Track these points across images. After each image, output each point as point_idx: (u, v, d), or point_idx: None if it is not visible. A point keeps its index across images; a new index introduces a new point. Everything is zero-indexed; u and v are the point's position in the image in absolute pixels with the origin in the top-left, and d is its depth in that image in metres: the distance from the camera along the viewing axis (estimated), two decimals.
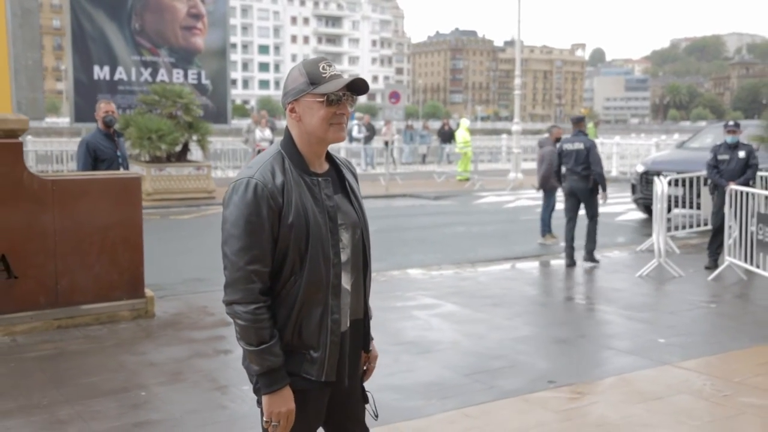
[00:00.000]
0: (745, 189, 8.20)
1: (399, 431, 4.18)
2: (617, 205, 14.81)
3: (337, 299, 2.27)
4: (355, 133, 24.58)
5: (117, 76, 17.95)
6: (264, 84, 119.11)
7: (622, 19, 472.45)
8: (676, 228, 10.72)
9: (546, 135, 11.46)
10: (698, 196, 10.36)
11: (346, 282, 2.31)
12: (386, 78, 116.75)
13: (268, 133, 19.79)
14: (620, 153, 23.05)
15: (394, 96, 18.88)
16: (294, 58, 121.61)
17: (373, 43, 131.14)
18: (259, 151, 18.97)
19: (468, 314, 6.78)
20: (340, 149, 24.24)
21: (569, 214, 9.38)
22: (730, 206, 8.43)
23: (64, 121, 50.35)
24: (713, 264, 8.77)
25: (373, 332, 2.59)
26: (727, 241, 8.57)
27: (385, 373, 5.05)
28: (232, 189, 2.22)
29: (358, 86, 2.24)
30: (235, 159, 21.65)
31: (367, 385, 2.58)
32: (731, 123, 9.19)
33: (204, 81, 18.96)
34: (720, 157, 8.91)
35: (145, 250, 6.54)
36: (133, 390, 4.78)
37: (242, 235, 2.17)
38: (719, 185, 8.82)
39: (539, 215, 11.23)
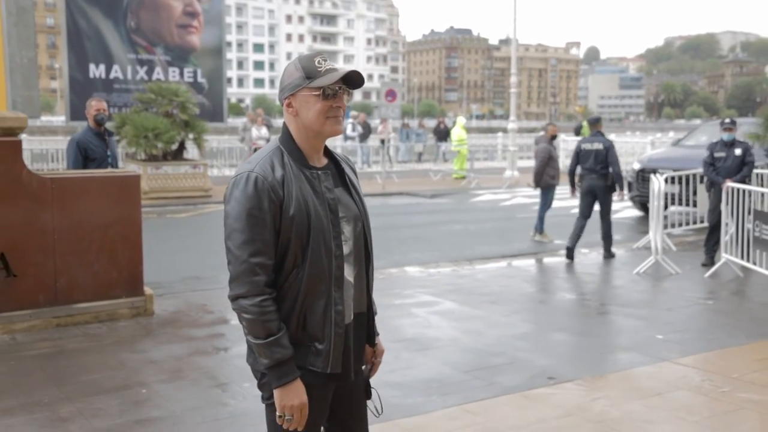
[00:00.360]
0: (741, 186, 8.24)
1: (400, 428, 4.19)
2: (613, 203, 14.81)
3: (340, 291, 2.27)
4: (349, 132, 24.58)
5: (113, 75, 17.93)
6: (259, 82, 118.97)
7: (617, 17, 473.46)
8: (673, 225, 10.77)
9: (542, 132, 11.50)
10: (694, 193, 10.40)
11: (349, 274, 2.32)
12: (381, 76, 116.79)
13: (264, 131, 19.78)
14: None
15: (391, 94, 18.89)
16: (289, 56, 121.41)
17: (368, 41, 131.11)
18: (255, 150, 18.96)
19: (466, 311, 6.80)
20: (336, 148, 24.21)
21: (584, 212, 9.62)
22: (727, 203, 8.47)
23: (59, 119, 50.25)
24: (710, 261, 8.81)
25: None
26: (724, 238, 8.61)
27: (385, 369, 5.02)
28: (232, 184, 2.24)
29: (353, 79, 2.26)
30: (232, 157, 21.63)
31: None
32: (728, 121, 9.22)
33: (200, 79, 18.95)
34: (716, 155, 8.94)
35: (143, 249, 6.54)
36: (134, 387, 4.79)
37: (245, 229, 2.18)
38: (716, 183, 8.86)
39: (537, 213, 11.26)
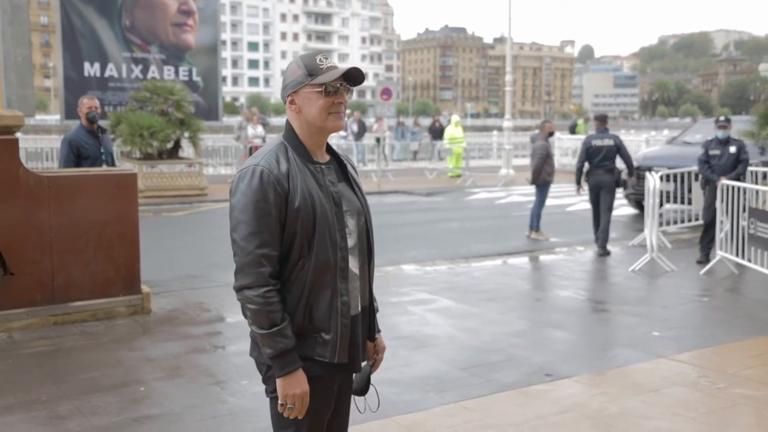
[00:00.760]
0: (736, 184, 8.27)
1: (398, 424, 4.21)
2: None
3: (346, 282, 2.32)
4: (341, 132, 24.57)
5: (107, 73, 17.88)
6: (254, 81, 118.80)
7: (611, 15, 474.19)
8: (668, 223, 10.80)
9: (536, 131, 11.54)
10: (689, 191, 10.44)
11: (354, 266, 2.37)
12: (376, 75, 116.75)
13: (260, 129, 19.75)
14: None
15: (386, 92, 18.91)
16: (284, 55, 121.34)
17: (363, 40, 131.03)
18: (251, 148, 18.94)
19: (463, 309, 6.82)
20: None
21: (595, 206, 9.94)
22: (722, 201, 8.50)
23: (53, 118, 50.11)
24: (705, 258, 8.84)
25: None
26: (719, 236, 8.65)
27: (382, 367, 4.97)
28: (238, 178, 2.29)
29: (354, 76, 2.32)
30: (227, 156, 21.60)
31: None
32: (722, 118, 9.25)
33: (195, 78, 18.92)
34: (711, 152, 8.98)
35: (140, 247, 6.53)
36: (132, 385, 4.79)
37: (251, 221, 2.22)
38: (710, 180, 8.89)
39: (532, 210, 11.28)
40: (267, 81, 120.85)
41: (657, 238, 8.90)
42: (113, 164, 7.54)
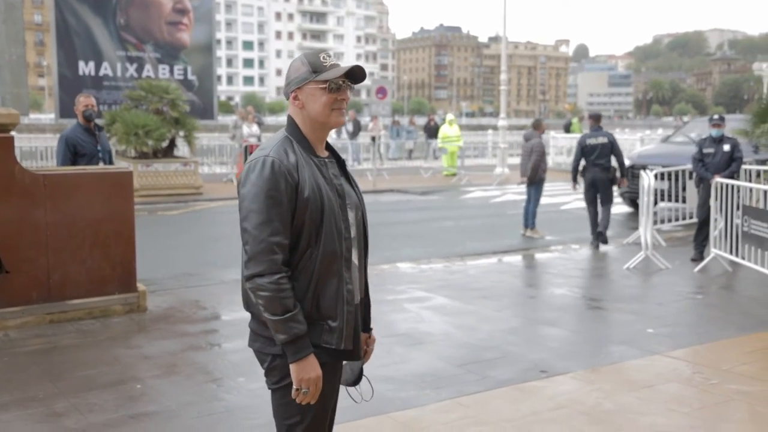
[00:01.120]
0: (730, 182, 8.31)
1: (394, 421, 4.23)
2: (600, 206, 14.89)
3: (349, 272, 2.40)
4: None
5: (102, 72, 17.86)
6: (248, 80, 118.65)
7: (606, 15, 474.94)
8: (662, 221, 10.84)
9: (530, 129, 11.63)
10: (684, 189, 10.48)
11: (354, 257, 2.45)
12: (371, 74, 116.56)
13: (255, 128, 19.73)
14: None
15: (381, 91, 18.91)
16: (279, 54, 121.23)
17: (358, 39, 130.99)
18: (246, 147, 18.90)
19: (458, 306, 6.84)
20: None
21: (592, 200, 10.19)
22: (716, 199, 8.54)
23: (47, 117, 49.94)
24: (699, 256, 8.88)
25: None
26: (713, 234, 8.69)
27: (378, 364, 5.09)
28: (247, 168, 2.33)
29: (356, 74, 2.39)
30: (222, 155, 21.56)
31: None
32: (716, 117, 9.30)
33: (190, 77, 18.91)
34: (705, 151, 9.02)
35: (136, 246, 6.53)
36: (129, 383, 4.80)
37: (263, 210, 2.26)
38: (705, 178, 8.93)
39: (526, 208, 11.30)
40: (262, 80, 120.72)
41: (652, 236, 8.94)
42: (111, 162, 7.53)
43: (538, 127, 11.51)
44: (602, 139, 10.15)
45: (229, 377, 4.92)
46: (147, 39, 18.29)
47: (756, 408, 4.40)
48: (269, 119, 54.75)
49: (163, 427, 4.15)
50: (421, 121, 39.25)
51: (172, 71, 18.61)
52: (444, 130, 21.83)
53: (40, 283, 5.99)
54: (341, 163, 2.53)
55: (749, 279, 7.91)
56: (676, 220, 10.74)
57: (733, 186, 8.25)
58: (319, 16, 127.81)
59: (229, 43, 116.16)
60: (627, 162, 13.11)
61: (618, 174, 10.28)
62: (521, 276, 8.65)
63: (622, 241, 10.42)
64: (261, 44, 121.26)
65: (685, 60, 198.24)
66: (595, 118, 10.62)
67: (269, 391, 2.49)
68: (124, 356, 5.34)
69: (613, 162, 10.24)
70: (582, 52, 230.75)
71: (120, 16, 17.96)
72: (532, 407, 4.40)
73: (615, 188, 10.37)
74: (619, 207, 13.96)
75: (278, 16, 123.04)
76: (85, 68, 17.65)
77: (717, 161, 8.87)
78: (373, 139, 22.92)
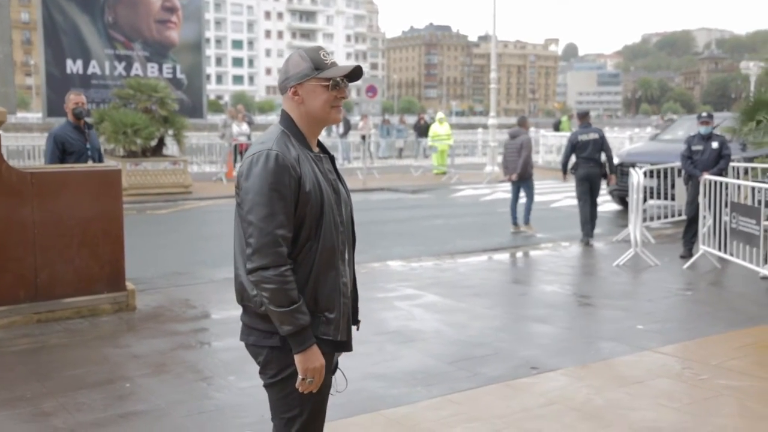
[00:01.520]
0: (718, 179, 8.35)
1: (385, 418, 4.22)
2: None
3: (344, 265, 2.46)
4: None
5: (90, 70, 17.72)
6: (238, 79, 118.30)
7: (595, 14, 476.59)
8: (651, 219, 10.88)
9: (516, 127, 11.70)
10: (672, 187, 10.54)
11: (347, 251, 2.50)
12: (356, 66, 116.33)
13: (245, 127, 19.68)
14: None
15: (371, 90, 18.91)
16: (268, 53, 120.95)
17: (348, 38, 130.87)
18: (236, 146, 18.85)
19: (449, 304, 6.83)
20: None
21: (584, 197, 10.35)
22: (704, 196, 8.58)
23: (35, 116, 49.62)
24: (688, 253, 8.92)
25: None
26: (702, 230, 8.73)
27: (369, 362, 5.09)
28: (250, 162, 2.34)
29: (356, 74, 2.45)
30: (212, 154, 21.49)
31: (353, 373, 2.71)
32: (704, 114, 9.33)
33: (179, 75, 18.79)
34: (694, 148, 9.05)
35: (125, 244, 6.49)
36: (118, 382, 4.77)
37: (268, 203, 2.28)
38: (693, 176, 8.96)
39: (513, 206, 11.34)
40: (251, 79, 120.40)
41: (641, 233, 8.97)
42: (101, 160, 7.48)
43: (523, 124, 11.66)
44: (593, 135, 10.40)
45: (219, 376, 4.90)
46: (135, 37, 18.17)
47: (745, 403, 4.42)
48: (259, 118, 54.60)
49: (152, 426, 4.12)
50: (411, 119, 39.28)
51: (161, 70, 18.49)
52: (434, 129, 21.85)
53: (28, 282, 5.95)
54: (332, 160, 2.56)
55: (738, 275, 7.95)
56: (665, 217, 10.78)
57: (721, 183, 8.29)
58: (309, 15, 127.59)
59: (219, 41, 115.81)
60: (616, 160, 13.16)
61: (608, 170, 10.56)
62: (511, 273, 8.66)
63: (611, 238, 10.46)
64: (250, 43, 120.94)
65: (673, 59, 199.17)
66: (583, 116, 10.92)
67: (263, 388, 2.50)
68: (112, 355, 5.31)
69: (602, 158, 10.46)
70: (571, 51, 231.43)
71: (108, 14, 17.82)
72: (523, 403, 4.41)
73: (603, 184, 10.63)
74: (608, 205, 14.01)
75: (267, 15, 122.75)
76: (73, 67, 17.52)
77: (705, 158, 8.90)
78: (364, 137, 22.90)
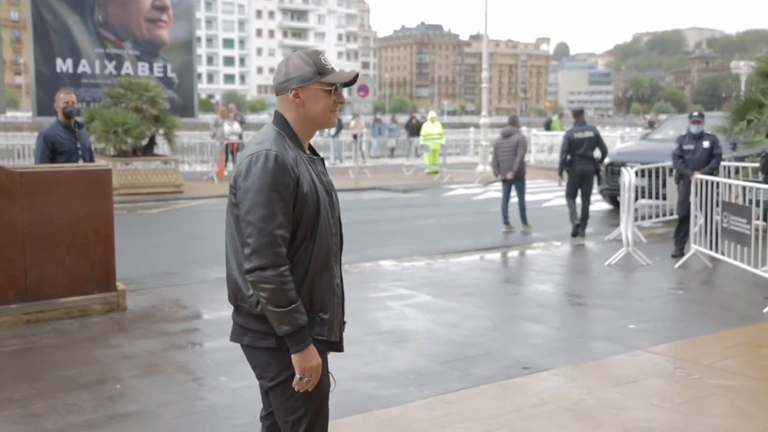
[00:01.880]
0: (709, 178, 8.37)
1: (377, 418, 4.20)
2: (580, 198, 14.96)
3: (337, 266, 2.47)
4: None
5: (80, 69, 17.63)
6: (229, 78, 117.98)
7: (586, 13, 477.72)
8: (643, 218, 10.90)
9: (509, 126, 11.72)
10: (663, 186, 10.57)
11: (339, 252, 2.53)
12: (356, 73, 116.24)
13: (237, 126, 19.62)
14: None
15: (363, 89, 18.89)
16: (259, 52, 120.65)
17: (339, 37, 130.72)
18: (227, 146, 18.80)
19: (441, 304, 6.83)
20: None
21: (573, 194, 10.67)
22: (696, 195, 8.60)
23: (24, 115, 49.33)
24: (679, 252, 8.94)
25: (349, 323, 2.74)
26: (693, 230, 8.75)
27: (361, 362, 5.07)
28: (249, 162, 2.33)
29: (354, 80, 2.49)
30: (203, 153, 21.43)
31: (345, 373, 2.71)
32: (695, 114, 9.36)
33: (170, 74, 18.72)
34: (685, 147, 9.07)
35: (115, 245, 6.44)
36: (108, 383, 4.73)
37: (268, 203, 2.28)
38: (685, 175, 8.98)
39: (505, 206, 11.36)
40: (243, 78, 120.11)
41: (632, 232, 8.98)
42: (91, 160, 7.41)
43: (515, 123, 11.71)
44: (588, 133, 10.65)
45: (211, 376, 4.87)
46: (126, 36, 18.08)
47: (737, 402, 4.43)
48: (250, 117, 54.46)
49: (143, 428, 4.09)
50: (402, 119, 39.28)
51: (151, 69, 18.41)
52: (426, 128, 21.85)
53: (17, 283, 5.90)
54: (322, 162, 2.57)
55: (729, 274, 7.97)
56: (657, 216, 10.81)
57: (712, 182, 8.31)
58: (300, 14, 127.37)
59: (210, 40, 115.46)
60: (606, 159, 13.20)
61: (601, 159, 10.97)
62: (503, 273, 8.67)
63: (603, 237, 10.48)
64: (242, 42, 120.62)
65: (664, 58, 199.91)
66: (578, 114, 11.12)
67: (255, 388, 2.50)
68: (103, 356, 5.27)
69: (596, 154, 10.77)
70: (562, 50, 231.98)
71: (98, 12, 17.73)
72: (516, 404, 4.40)
73: (595, 181, 10.94)
74: (599, 204, 14.03)
75: (259, 13, 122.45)
76: (63, 65, 17.42)
77: (697, 158, 8.92)
78: (355, 137, 22.88)
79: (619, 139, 22.19)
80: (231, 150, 18.82)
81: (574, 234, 10.49)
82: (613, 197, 13.17)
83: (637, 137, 19.70)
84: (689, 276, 8.11)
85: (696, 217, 8.72)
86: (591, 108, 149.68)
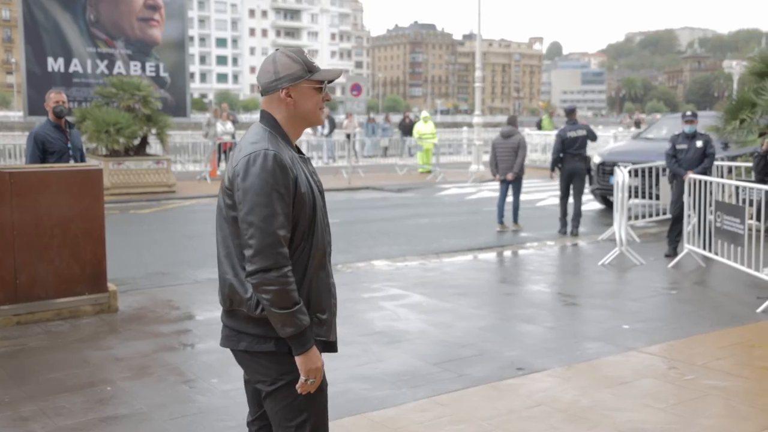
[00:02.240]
0: (703, 178, 8.37)
1: (370, 420, 4.17)
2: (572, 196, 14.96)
3: (330, 265, 2.45)
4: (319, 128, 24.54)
5: (72, 69, 17.52)
6: (222, 77, 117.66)
7: (579, 13, 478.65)
8: (636, 217, 10.91)
9: (508, 126, 11.65)
10: (654, 186, 10.58)
11: (330, 251, 2.52)
12: (346, 71, 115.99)
13: (229, 126, 19.55)
14: None
15: (356, 88, 18.83)
16: (252, 51, 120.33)
17: (332, 36, 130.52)
18: (220, 145, 18.73)
19: (435, 304, 6.80)
20: (302, 142, 24.10)
21: (565, 191, 10.85)
22: (689, 195, 8.60)
23: (16, 114, 49.11)
24: (673, 252, 8.94)
25: (342, 323, 2.73)
26: (686, 229, 8.75)
27: (354, 363, 5.04)
28: (246, 162, 2.28)
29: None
30: (196, 153, 21.36)
31: (338, 374, 2.69)
32: (689, 113, 9.36)
33: (162, 73, 18.62)
34: (678, 147, 9.07)
35: (106, 245, 6.40)
36: (99, 385, 4.69)
37: (269, 203, 2.24)
38: (678, 174, 8.98)
39: (501, 205, 11.36)
40: (236, 77, 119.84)
41: (626, 232, 8.98)
42: (82, 160, 7.35)
43: (515, 123, 11.67)
44: (581, 132, 10.79)
45: (202, 378, 4.83)
46: (118, 35, 17.98)
47: (731, 403, 4.41)
48: (243, 117, 54.38)
49: (134, 431, 4.05)
50: (396, 118, 39.24)
51: (143, 68, 18.31)
52: (419, 128, 21.82)
53: (7, 284, 5.84)
54: (310, 161, 2.54)
55: (722, 274, 7.97)
56: (650, 216, 10.81)
57: (706, 182, 8.31)
58: (293, 13, 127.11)
59: (203, 40, 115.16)
60: (598, 159, 13.20)
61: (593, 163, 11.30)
62: (497, 273, 8.65)
63: (596, 237, 10.47)
64: (234, 41, 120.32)
65: (656, 58, 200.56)
66: (571, 112, 11.30)
67: (245, 391, 2.45)
68: (93, 358, 5.23)
69: (588, 152, 10.98)
70: (555, 49, 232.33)
71: (90, 11, 17.62)
72: (509, 405, 4.38)
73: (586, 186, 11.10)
74: (591, 204, 14.05)
75: (252, 13, 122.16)
76: (54, 65, 17.31)
77: (690, 157, 8.92)
78: (348, 136, 22.86)
79: (612, 138, 22.21)
80: (224, 150, 18.75)
81: (563, 232, 10.74)
82: (603, 197, 13.18)
83: (629, 136, 19.70)
84: (683, 276, 8.11)
85: (689, 216, 8.72)
86: (584, 107, 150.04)
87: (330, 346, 2.45)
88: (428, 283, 7.67)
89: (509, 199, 11.35)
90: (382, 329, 5.96)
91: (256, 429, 2.59)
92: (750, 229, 7.20)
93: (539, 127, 27.63)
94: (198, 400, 4.48)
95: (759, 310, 6.47)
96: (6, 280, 5.84)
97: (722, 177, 9.60)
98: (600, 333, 5.88)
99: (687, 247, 8.58)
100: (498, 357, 5.27)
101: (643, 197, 11.03)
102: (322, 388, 2.43)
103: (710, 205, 8.15)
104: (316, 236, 2.35)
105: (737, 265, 7.40)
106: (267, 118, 2.40)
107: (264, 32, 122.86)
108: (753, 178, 8.84)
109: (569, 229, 10.74)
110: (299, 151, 2.49)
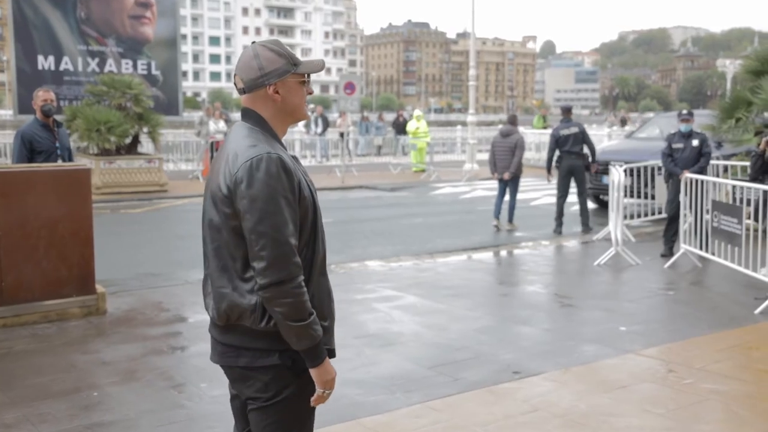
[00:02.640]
0: (699, 177, 8.30)
1: (363, 426, 4.08)
2: (571, 195, 14.90)
3: (326, 269, 2.35)
4: (313, 127, 24.55)
5: (62, 66, 17.34)
6: (215, 76, 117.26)
7: (572, 11, 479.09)
8: (631, 216, 10.84)
9: (508, 125, 11.57)
10: (647, 185, 10.51)
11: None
12: (339, 70, 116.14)
13: (222, 124, 19.41)
14: None
15: (350, 87, 18.72)
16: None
17: (326, 34, 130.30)
18: (212, 144, 18.59)
19: (429, 306, 6.71)
20: (295, 141, 24.00)
21: (564, 190, 10.85)
22: (685, 194, 8.52)
23: (6, 113, 48.78)
24: (669, 252, 8.87)
25: (335, 325, 2.57)
26: (682, 229, 8.68)
27: (347, 367, 4.94)
28: (249, 167, 2.11)
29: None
30: (188, 152, 21.20)
31: None
32: (685, 112, 9.29)
33: (154, 72, 18.46)
34: (674, 146, 8.99)
35: (96, 245, 6.28)
36: (85, 390, 4.58)
37: (279, 211, 2.10)
38: (674, 173, 8.91)
39: (498, 203, 11.29)
40: (229, 76, 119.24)
41: (621, 232, 8.90)
42: (71, 159, 7.22)
43: (514, 122, 11.61)
44: (574, 129, 10.81)
45: (192, 383, 4.73)
46: (109, 33, 17.80)
47: (730, 407, 4.33)
48: (236, 115, 54.12)
49: None
50: (389, 117, 39.14)
51: (135, 66, 18.14)
52: (412, 125, 21.72)
53: None
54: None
55: (719, 274, 7.90)
56: (645, 215, 10.75)
57: (702, 181, 8.24)
58: (287, 12, 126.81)
59: (196, 38, 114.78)
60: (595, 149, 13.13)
61: (590, 160, 11.03)
62: (492, 273, 8.56)
63: (591, 237, 10.39)
64: (228, 40, 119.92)
65: (649, 57, 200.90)
66: (566, 111, 11.38)
67: (234, 408, 2.36)
68: (80, 362, 5.11)
69: (585, 150, 10.86)
70: (549, 48, 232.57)
71: (80, 9, 17.44)
72: (506, 410, 4.29)
73: (592, 170, 11.13)
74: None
75: (245, 11, 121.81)
76: (45, 63, 17.13)
77: (686, 156, 8.85)
78: (342, 135, 22.73)
79: (606, 137, 22.16)
80: (216, 148, 18.59)
81: (558, 232, 10.68)
82: (596, 196, 13.11)
83: (622, 135, 19.65)
84: (679, 276, 8.04)
85: (685, 216, 8.65)
86: (578, 106, 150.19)
87: (330, 353, 2.32)
88: (422, 283, 7.57)
89: (506, 197, 11.28)
90: (375, 332, 5.86)
91: None
92: (747, 229, 7.13)
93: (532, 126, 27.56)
94: (187, 406, 4.38)
95: (757, 311, 6.40)
96: None
97: (717, 176, 9.53)
98: (597, 335, 5.80)
99: (683, 246, 8.51)
100: (493, 360, 5.18)
101: (637, 197, 10.96)
102: (311, 407, 2.30)
103: (706, 205, 8.08)
104: (318, 241, 2.23)
105: (734, 266, 7.33)
106: (253, 117, 2.24)
107: (257, 30, 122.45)
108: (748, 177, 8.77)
109: (580, 228, 10.72)
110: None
